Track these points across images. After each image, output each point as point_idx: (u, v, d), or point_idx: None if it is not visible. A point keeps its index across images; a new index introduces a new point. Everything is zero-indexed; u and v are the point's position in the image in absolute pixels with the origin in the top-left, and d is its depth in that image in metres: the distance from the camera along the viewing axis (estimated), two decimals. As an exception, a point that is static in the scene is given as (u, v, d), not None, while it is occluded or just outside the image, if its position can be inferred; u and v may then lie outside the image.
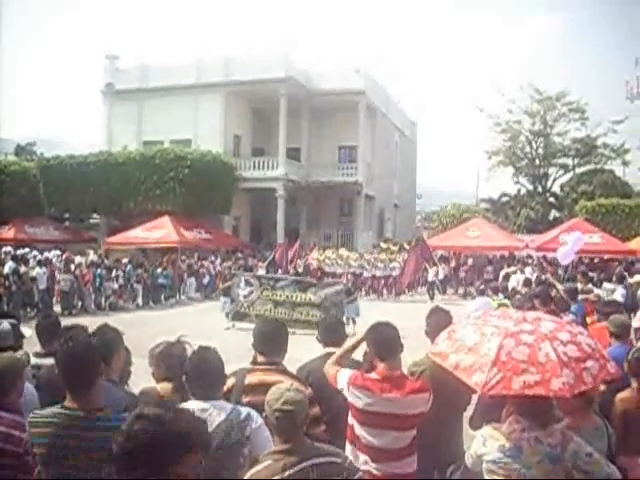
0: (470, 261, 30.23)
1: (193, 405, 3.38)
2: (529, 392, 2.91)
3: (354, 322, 16.08)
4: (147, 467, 1.98)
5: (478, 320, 3.49)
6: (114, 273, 23.52)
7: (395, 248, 30.91)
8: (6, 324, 4.66)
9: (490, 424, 3.33)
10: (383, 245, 32.81)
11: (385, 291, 27.71)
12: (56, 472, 3.01)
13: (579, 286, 12.10)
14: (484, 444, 3.18)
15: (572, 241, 18.84)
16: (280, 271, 25.81)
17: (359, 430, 3.97)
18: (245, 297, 17.60)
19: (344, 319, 14.01)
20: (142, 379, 4.62)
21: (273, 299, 17.35)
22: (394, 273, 27.22)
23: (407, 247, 29.70)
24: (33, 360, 4.71)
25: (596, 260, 27.55)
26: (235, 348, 8.58)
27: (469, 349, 3.21)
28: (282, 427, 3.01)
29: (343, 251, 30.23)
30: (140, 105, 38.27)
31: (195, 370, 3.47)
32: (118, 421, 3.08)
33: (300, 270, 26.83)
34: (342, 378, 4.05)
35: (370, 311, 16.37)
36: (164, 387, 4.14)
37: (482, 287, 14.76)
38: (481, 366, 3.06)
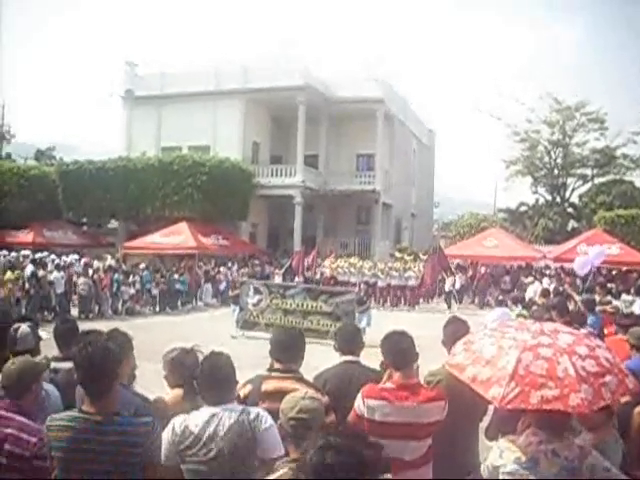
0: (482, 269, 30.07)
1: (204, 411, 3.40)
2: (547, 407, 2.88)
3: (364, 332, 15.80)
4: None
5: (495, 332, 3.46)
6: (131, 278, 23.63)
7: (409, 258, 30.48)
8: (25, 327, 4.69)
9: (506, 436, 3.31)
10: (397, 254, 32.43)
11: (402, 300, 27.30)
12: (74, 476, 3.04)
13: (597, 297, 12.01)
14: (501, 456, 3.16)
15: (594, 254, 18.67)
16: (297, 279, 25.77)
17: None
18: (254, 305, 17.30)
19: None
20: (155, 384, 4.64)
21: (283, 307, 16.97)
22: (409, 282, 26.93)
23: (422, 256, 29.52)
24: (51, 364, 4.74)
25: (614, 271, 27.34)
26: (248, 356, 8.58)
27: (487, 362, 3.19)
28: (297, 435, 3.01)
29: (355, 259, 29.91)
30: (159, 111, 38.48)
31: (206, 376, 3.47)
32: (136, 425, 3.11)
33: (318, 277, 26.73)
34: (357, 400, 4.02)
35: (385, 320, 16.30)
36: (175, 394, 4.18)
37: (500, 297, 14.68)
38: (499, 379, 3.04)
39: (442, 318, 5.74)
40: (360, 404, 3.95)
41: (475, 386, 3.17)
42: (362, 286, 20.96)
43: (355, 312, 16.57)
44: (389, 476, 3.64)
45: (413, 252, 33.65)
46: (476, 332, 3.78)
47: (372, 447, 2.10)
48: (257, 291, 17.45)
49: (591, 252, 18.96)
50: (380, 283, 27.40)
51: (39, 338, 4.85)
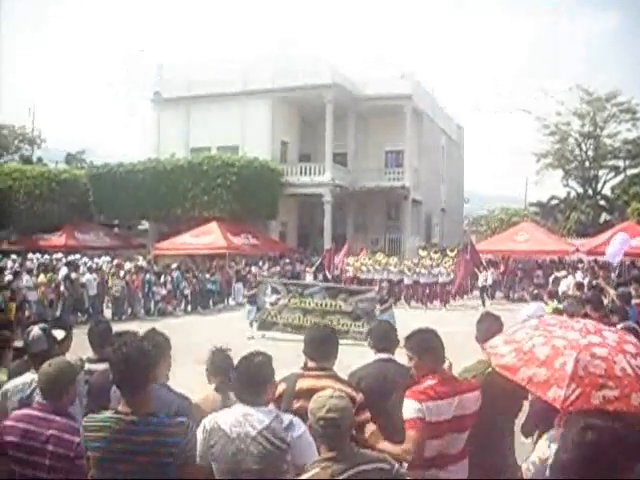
0: (512, 263, 29.81)
1: (236, 410, 3.40)
2: (610, 408, 2.85)
3: None
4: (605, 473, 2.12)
5: (539, 330, 3.41)
6: (163, 279, 23.80)
7: (435, 256, 28.80)
8: (36, 329, 4.75)
9: (556, 428, 3.27)
10: (421, 252, 30.29)
11: (432, 298, 26.41)
12: (109, 475, 3.07)
13: (632, 291, 11.82)
14: (549, 447, 3.12)
15: (619, 241, 18.60)
16: (329, 276, 25.68)
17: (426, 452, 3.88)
18: (272, 305, 16.95)
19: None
20: (187, 384, 4.66)
21: (302, 307, 16.59)
22: (440, 279, 26.14)
23: (449, 253, 28.94)
24: (85, 366, 4.79)
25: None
26: (283, 355, 8.56)
27: (542, 362, 3.13)
28: (327, 435, 2.99)
29: (380, 256, 28.72)
30: (187, 113, 38.66)
31: (244, 376, 3.46)
32: (170, 426, 3.12)
33: (333, 275, 26.41)
34: (408, 407, 3.84)
35: (415, 319, 15.91)
36: (206, 394, 4.29)
37: (535, 292, 14.51)
38: (557, 381, 3.00)
39: (474, 314, 5.70)
40: (417, 408, 3.79)
41: (531, 387, 3.14)
42: (385, 284, 20.22)
43: (376, 311, 16.22)
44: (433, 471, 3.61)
45: (440, 249, 32.71)
46: (517, 330, 3.71)
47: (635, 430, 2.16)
48: (275, 290, 17.14)
49: (616, 241, 18.87)
50: (407, 280, 26.46)
51: (54, 339, 4.91)
